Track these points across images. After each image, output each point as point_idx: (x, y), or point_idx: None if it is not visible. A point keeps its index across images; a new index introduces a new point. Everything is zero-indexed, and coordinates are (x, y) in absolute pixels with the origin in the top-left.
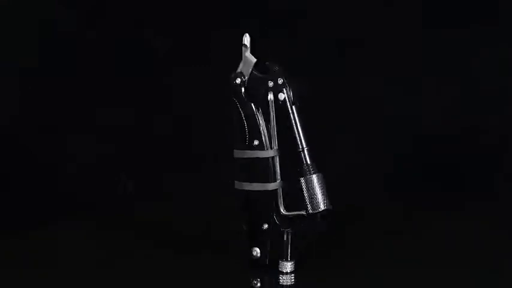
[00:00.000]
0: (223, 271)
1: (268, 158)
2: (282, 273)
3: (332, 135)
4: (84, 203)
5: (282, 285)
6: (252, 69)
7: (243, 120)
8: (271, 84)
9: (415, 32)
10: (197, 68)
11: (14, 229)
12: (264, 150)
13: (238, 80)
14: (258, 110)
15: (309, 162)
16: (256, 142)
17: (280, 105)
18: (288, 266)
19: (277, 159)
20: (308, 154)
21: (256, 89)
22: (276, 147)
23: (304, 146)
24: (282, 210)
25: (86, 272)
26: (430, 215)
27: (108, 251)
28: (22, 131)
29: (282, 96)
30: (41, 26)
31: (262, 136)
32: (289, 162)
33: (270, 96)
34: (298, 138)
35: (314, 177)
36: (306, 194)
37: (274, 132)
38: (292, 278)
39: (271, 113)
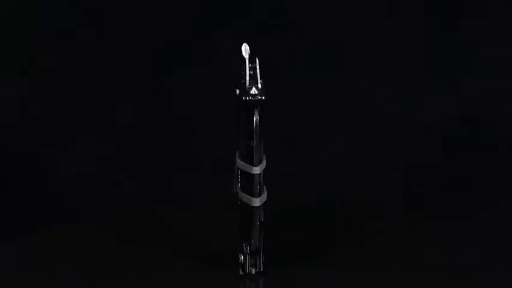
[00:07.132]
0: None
1: None
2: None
3: (330, 134)
4: (84, 203)
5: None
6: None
7: None
8: None
9: (414, 32)
10: (197, 68)
11: (14, 230)
12: None
13: None
14: None
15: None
16: None
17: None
18: None
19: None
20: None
21: None
22: None
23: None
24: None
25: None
26: (430, 215)
27: (107, 252)
28: (22, 131)
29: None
30: (40, 25)
31: None
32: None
33: None
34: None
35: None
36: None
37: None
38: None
39: None
